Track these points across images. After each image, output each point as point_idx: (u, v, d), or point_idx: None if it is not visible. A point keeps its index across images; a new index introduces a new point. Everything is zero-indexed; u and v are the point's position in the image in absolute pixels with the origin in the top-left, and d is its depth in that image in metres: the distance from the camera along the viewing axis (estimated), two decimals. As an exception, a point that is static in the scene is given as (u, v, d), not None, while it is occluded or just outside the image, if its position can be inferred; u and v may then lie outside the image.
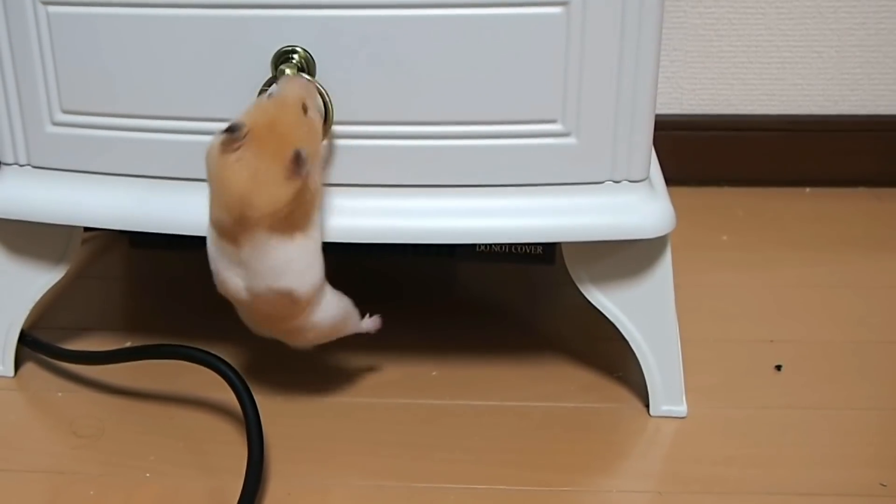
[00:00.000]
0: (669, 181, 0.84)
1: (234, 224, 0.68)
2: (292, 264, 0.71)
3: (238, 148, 0.67)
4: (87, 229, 0.86)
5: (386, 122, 0.74)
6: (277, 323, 0.74)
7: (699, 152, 1.23)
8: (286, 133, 0.68)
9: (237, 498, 0.72)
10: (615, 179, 0.76)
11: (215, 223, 0.70)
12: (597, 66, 0.72)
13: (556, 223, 0.76)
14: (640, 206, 0.76)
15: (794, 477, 0.76)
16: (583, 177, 0.75)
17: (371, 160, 0.75)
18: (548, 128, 0.74)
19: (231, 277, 0.71)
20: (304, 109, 0.70)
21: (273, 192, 0.67)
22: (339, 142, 0.75)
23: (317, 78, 0.72)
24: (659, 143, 0.85)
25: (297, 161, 0.67)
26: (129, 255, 1.07)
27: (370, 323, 0.80)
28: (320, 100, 0.72)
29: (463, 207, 0.76)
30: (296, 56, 0.72)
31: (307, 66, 0.72)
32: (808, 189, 1.25)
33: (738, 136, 1.24)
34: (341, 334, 0.78)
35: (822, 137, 1.23)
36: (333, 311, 0.76)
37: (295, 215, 0.69)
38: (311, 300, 0.73)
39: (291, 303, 0.72)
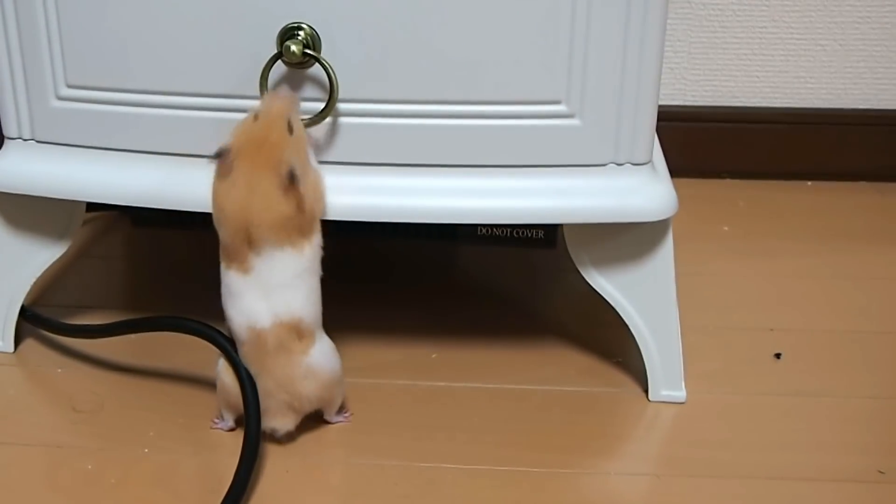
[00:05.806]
0: (672, 172, 0.84)
1: (243, 244, 0.71)
2: (303, 276, 0.73)
3: (230, 171, 0.70)
4: (89, 209, 0.86)
5: (388, 100, 0.74)
6: (281, 359, 0.74)
7: (702, 143, 1.23)
8: (275, 149, 0.71)
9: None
10: (618, 162, 0.76)
11: (227, 251, 0.72)
12: (602, 47, 0.72)
13: (559, 204, 0.76)
14: (642, 189, 0.76)
15: (792, 462, 0.77)
16: (586, 158, 0.75)
17: (373, 138, 0.75)
18: (552, 109, 0.74)
19: (254, 303, 0.72)
20: (290, 126, 0.72)
21: (272, 205, 0.70)
22: (343, 119, 0.75)
23: (322, 54, 0.72)
24: (662, 133, 0.85)
25: (292, 178, 0.70)
26: (131, 235, 1.07)
27: (342, 417, 0.80)
28: (299, 119, 0.73)
29: (465, 187, 0.76)
30: (301, 33, 0.72)
31: (312, 43, 0.72)
32: (809, 182, 1.25)
33: (741, 128, 1.24)
34: (331, 401, 0.78)
35: (825, 131, 1.23)
36: (332, 359, 0.77)
37: (298, 226, 0.72)
38: (314, 333, 0.75)
39: (298, 335, 0.74)
